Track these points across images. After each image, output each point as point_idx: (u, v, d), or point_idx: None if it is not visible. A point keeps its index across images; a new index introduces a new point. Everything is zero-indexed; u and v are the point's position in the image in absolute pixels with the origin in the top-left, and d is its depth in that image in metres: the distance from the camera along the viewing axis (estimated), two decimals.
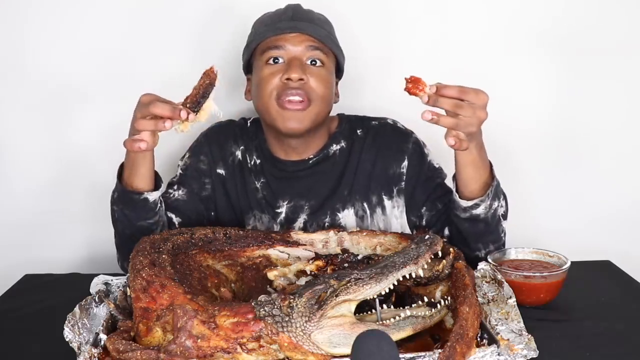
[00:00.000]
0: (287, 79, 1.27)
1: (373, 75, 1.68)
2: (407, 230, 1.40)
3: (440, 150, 1.44)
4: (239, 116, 1.52)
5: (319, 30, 1.32)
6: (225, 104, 1.65)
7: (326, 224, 1.37)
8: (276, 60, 1.30)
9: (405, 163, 1.37)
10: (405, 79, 1.05)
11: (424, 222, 1.38)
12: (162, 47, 1.65)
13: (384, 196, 1.38)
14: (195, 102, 1.04)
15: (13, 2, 1.61)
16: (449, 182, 1.34)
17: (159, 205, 1.26)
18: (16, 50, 1.64)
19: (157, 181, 1.25)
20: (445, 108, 1.05)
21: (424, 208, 1.37)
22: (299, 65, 1.28)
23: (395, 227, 1.39)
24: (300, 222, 1.38)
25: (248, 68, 1.39)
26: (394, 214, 1.39)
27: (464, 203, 1.20)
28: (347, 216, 1.37)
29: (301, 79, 1.27)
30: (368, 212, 1.38)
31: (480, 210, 1.20)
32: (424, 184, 1.37)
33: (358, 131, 1.41)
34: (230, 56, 1.57)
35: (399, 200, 1.38)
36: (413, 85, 1.04)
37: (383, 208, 1.38)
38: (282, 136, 1.34)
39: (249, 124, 1.46)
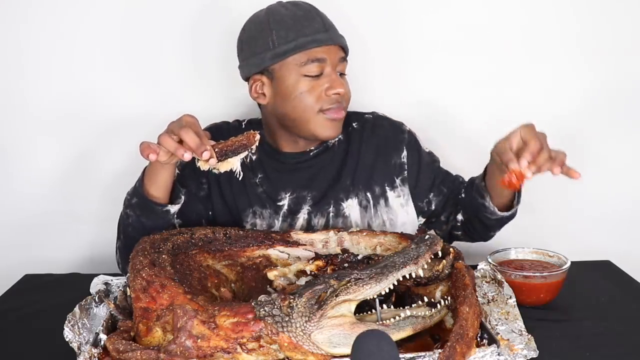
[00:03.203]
0: (336, 93, 1.29)
1: (378, 73, 1.69)
2: (414, 215, 1.42)
3: (430, 143, 1.50)
4: (232, 116, 1.52)
5: (344, 41, 1.35)
6: (224, 104, 1.67)
7: (330, 214, 1.37)
8: (315, 73, 1.29)
9: (405, 153, 1.41)
10: (508, 181, 1.06)
11: (432, 207, 1.42)
12: (156, 45, 1.65)
13: (386, 187, 1.40)
14: (223, 152, 1.05)
15: (14, 2, 1.62)
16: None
17: (176, 216, 1.26)
18: (19, 51, 1.63)
19: (176, 192, 1.24)
20: (545, 163, 1.07)
21: (432, 194, 1.42)
22: (339, 78, 1.31)
23: (402, 215, 1.40)
24: (304, 212, 1.38)
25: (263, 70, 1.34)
26: (400, 202, 1.41)
27: (505, 214, 1.27)
28: (351, 206, 1.38)
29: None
30: (371, 202, 1.39)
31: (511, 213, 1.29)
32: (426, 170, 1.42)
33: (354, 124, 1.44)
34: (224, 54, 1.56)
35: (403, 189, 1.41)
36: (520, 179, 1.06)
37: (386, 199, 1.40)
38: (307, 139, 1.36)
39: (243, 125, 1.46)
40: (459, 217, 1.39)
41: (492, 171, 1.23)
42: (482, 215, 1.29)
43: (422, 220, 1.45)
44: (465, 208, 1.37)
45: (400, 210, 1.40)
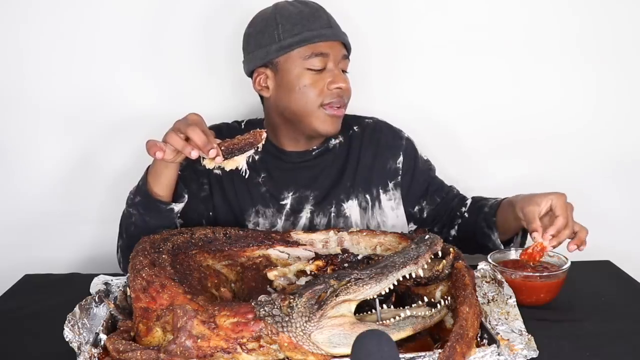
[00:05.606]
0: (337, 88, 1.31)
1: (376, 77, 1.68)
2: (403, 219, 1.45)
3: (426, 147, 1.52)
4: (239, 117, 1.52)
5: (347, 39, 1.37)
6: (231, 104, 1.66)
7: (332, 214, 1.40)
8: (318, 67, 1.31)
9: (401, 159, 1.44)
10: (530, 253, 1.15)
11: (424, 215, 1.45)
12: (166, 43, 1.65)
13: (380, 190, 1.43)
14: (230, 150, 1.05)
15: (14, 2, 1.61)
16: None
17: (179, 214, 1.27)
18: (20, 49, 1.63)
19: (179, 191, 1.25)
20: (566, 239, 1.17)
21: (424, 202, 1.45)
22: (341, 73, 1.33)
23: (392, 217, 1.43)
24: (306, 212, 1.40)
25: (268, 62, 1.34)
26: (390, 205, 1.44)
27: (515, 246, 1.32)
28: (352, 207, 1.41)
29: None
30: (370, 203, 1.42)
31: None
32: (420, 177, 1.45)
33: (355, 128, 1.46)
34: (233, 54, 1.56)
35: (395, 193, 1.44)
36: (540, 254, 1.16)
37: (380, 202, 1.43)
38: (308, 136, 1.37)
39: (243, 126, 1.46)
40: (452, 232, 1.42)
41: (507, 215, 1.27)
42: (484, 243, 1.34)
43: (413, 226, 1.47)
44: (466, 228, 1.39)
45: (391, 213, 1.43)
